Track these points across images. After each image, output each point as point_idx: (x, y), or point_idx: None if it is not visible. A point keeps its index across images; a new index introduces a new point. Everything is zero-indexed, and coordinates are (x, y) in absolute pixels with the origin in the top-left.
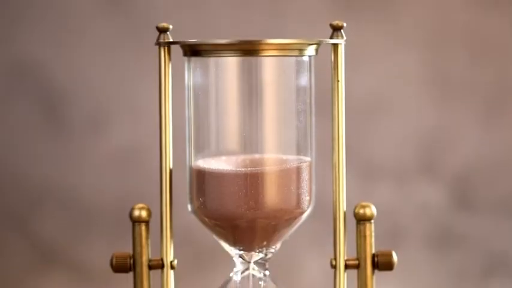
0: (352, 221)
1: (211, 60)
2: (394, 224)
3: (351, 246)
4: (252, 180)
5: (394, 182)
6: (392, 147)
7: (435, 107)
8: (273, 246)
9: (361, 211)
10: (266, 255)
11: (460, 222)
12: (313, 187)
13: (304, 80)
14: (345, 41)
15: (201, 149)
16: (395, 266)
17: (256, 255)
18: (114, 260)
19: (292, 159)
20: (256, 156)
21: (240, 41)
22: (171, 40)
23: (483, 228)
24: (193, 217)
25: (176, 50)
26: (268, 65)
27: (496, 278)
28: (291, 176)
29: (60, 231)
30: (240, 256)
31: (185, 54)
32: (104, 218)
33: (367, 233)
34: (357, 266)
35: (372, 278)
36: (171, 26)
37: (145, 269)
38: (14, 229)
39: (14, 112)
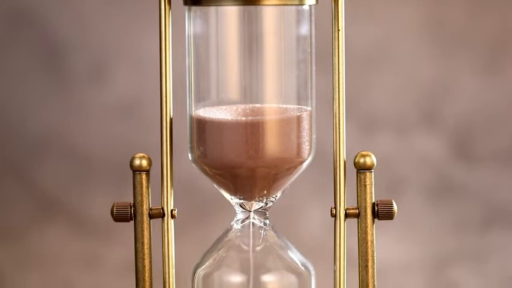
0: (353, 172)
1: (212, 9)
2: (393, 175)
3: (351, 197)
4: (252, 129)
5: (394, 133)
6: (392, 98)
7: (435, 58)
8: (273, 195)
9: (361, 160)
10: (266, 204)
11: (460, 173)
12: (314, 136)
13: (304, 30)
14: None
15: (202, 98)
16: (395, 215)
17: (257, 204)
18: (114, 209)
19: (292, 108)
20: (257, 105)
21: None
22: None
23: (483, 179)
24: (193, 167)
25: None
26: (269, 14)
27: (495, 229)
28: (291, 125)
29: (61, 181)
30: (241, 205)
31: (185, 3)
32: (104, 169)
33: (367, 182)
34: (357, 215)
35: (372, 227)
36: None
37: (145, 218)
38: (15, 180)
39: (14, 63)
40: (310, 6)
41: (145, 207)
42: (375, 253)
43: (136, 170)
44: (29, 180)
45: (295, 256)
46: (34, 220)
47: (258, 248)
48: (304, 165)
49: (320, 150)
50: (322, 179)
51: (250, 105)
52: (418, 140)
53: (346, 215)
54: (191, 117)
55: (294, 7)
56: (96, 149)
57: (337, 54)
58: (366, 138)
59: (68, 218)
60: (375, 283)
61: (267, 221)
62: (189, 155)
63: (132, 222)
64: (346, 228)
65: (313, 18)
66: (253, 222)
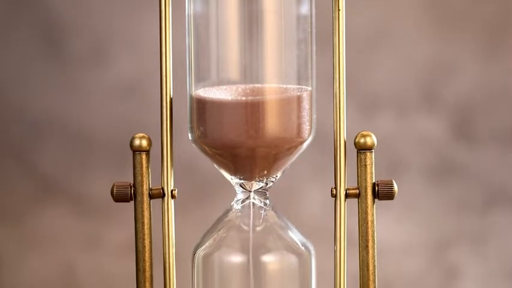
0: (353, 153)
1: None
2: (394, 155)
3: (351, 177)
4: (252, 109)
5: (394, 113)
6: (392, 78)
7: (436, 38)
8: (274, 176)
9: (362, 140)
10: (267, 184)
11: (461, 154)
12: (314, 116)
13: (304, 9)
14: None
15: (202, 78)
16: (395, 196)
17: (257, 185)
18: (114, 190)
19: (292, 88)
20: (257, 85)
21: None
22: None
23: (484, 159)
24: (194, 147)
25: None
26: None
27: (496, 209)
28: (291, 105)
29: (61, 162)
30: (241, 185)
31: None
32: (105, 149)
33: (368, 162)
34: (357, 195)
35: (372, 207)
36: None
37: (145, 198)
38: (15, 161)
39: (15, 44)
40: None
41: (145, 187)
42: (375, 233)
43: (136, 150)
44: (29, 161)
45: (296, 236)
46: (34, 201)
47: (258, 228)
48: (305, 145)
49: (320, 131)
50: (323, 160)
51: (250, 85)
52: (418, 121)
53: (347, 195)
54: (191, 97)
55: None
56: (97, 129)
57: (337, 34)
58: (366, 119)
59: (68, 198)
60: (375, 263)
61: (267, 201)
62: (189, 135)
63: (132, 202)
64: (346, 209)
65: None
66: (253, 203)
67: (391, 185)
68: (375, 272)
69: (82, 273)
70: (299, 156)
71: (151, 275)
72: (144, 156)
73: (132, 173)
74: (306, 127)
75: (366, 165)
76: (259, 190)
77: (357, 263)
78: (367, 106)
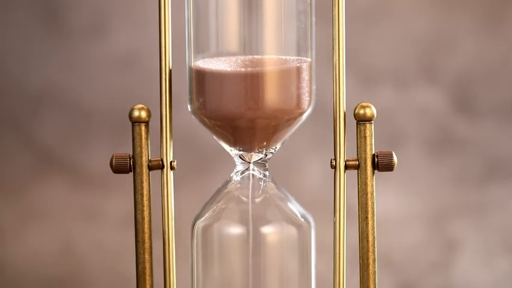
0: (353, 126)
1: None
2: (393, 128)
3: (351, 149)
4: (251, 80)
5: (394, 86)
6: (392, 51)
7: (436, 10)
8: (273, 147)
9: (361, 111)
10: (266, 155)
11: (460, 126)
12: (313, 87)
13: None
14: None
15: (201, 50)
16: (395, 167)
17: (256, 156)
18: (113, 161)
19: (292, 59)
20: (256, 56)
21: None
22: None
23: (483, 132)
24: (193, 120)
25: None
26: None
27: (495, 182)
28: (291, 76)
29: (60, 135)
30: (240, 157)
31: None
32: (104, 122)
33: (367, 133)
34: (357, 167)
35: (372, 179)
36: None
37: (145, 169)
38: (14, 134)
39: (15, 16)
40: None
41: (144, 158)
42: (374, 205)
43: (135, 122)
44: (28, 133)
45: (295, 208)
46: (33, 173)
47: (257, 200)
48: (304, 116)
49: (320, 102)
50: (322, 132)
51: (250, 57)
52: (418, 94)
53: (346, 167)
54: (190, 69)
55: None
56: (96, 102)
57: (337, 5)
58: (365, 92)
59: (68, 171)
60: (375, 235)
61: (267, 173)
62: (188, 106)
63: (131, 174)
64: (346, 180)
65: None
66: (252, 174)
67: (391, 156)
68: (374, 244)
69: (81, 245)
70: (299, 127)
71: (150, 246)
72: (143, 128)
73: (132, 145)
74: (305, 98)
75: (365, 137)
76: (259, 161)
77: (357, 235)
78: (366, 79)
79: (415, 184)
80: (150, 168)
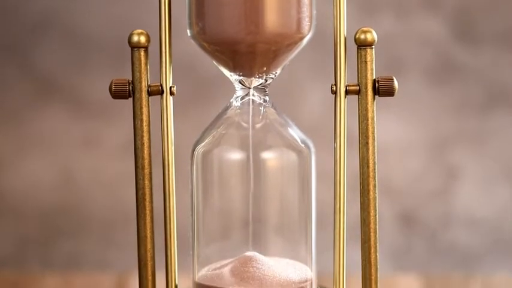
0: (353, 53)
1: None
2: (394, 55)
3: (351, 76)
4: (252, 4)
5: (395, 13)
6: None
7: None
8: (273, 72)
9: (362, 36)
10: (266, 80)
11: (461, 54)
12: (314, 12)
13: None
14: None
15: None
16: (396, 92)
17: (256, 81)
18: (113, 86)
19: None
20: None
21: None
22: None
23: (484, 60)
24: (193, 45)
25: None
26: None
27: (496, 110)
28: (291, 0)
29: (59, 62)
30: (240, 82)
31: None
32: (104, 50)
33: (368, 58)
34: (358, 92)
35: (372, 104)
36: None
37: (144, 94)
38: (13, 62)
39: None
40: None
41: (144, 84)
42: (375, 130)
43: (134, 47)
44: (27, 61)
45: (295, 133)
46: (32, 101)
47: (257, 125)
48: (305, 41)
49: (321, 30)
50: (323, 60)
51: None
52: (419, 21)
53: (347, 92)
54: None
55: None
56: (96, 28)
57: None
58: (366, 19)
59: (67, 98)
60: (375, 160)
61: (267, 98)
62: (188, 31)
63: (131, 100)
64: (346, 106)
65: None
66: (252, 99)
67: (392, 81)
68: (375, 169)
69: (80, 172)
70: (299, 55)
71: (150, 172)
72: (142, 53)
73: (131, 71)
74: (305, 23)
75: (366, 62)
76: (259, 87)
77: (357, 163)
78: (367, 6)
79: (416, 112)
80: (149, 93)
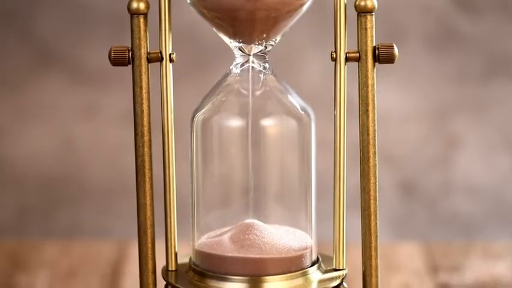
0: (353, 21)
1: None
2: (394, 24)
3: (351, 43)
4: None
5: None
6: None
7: None
8: (273, 39)
9: (362, 3)
10: (266, 47)
11: (462, 23)
12: None
13: None
14: None
15: None
16: (396, 59)
17: (256, 48)
18: (112, 53)
19: None
20: None
21: None
22: None
23: (484, 29)
24: (192, 12)
25: None
26: None
27: (496, 79)
28: None
29: (58, 30)
30: (240, 49)
31: None
32: (103, 18)
33: (368, 25)
34: (358, 59)
35: (372, 71)
36: None
37: (143, 61)
38: (11, 30)
39: None
40: None
41: (143, 51)
42: (375, 97)
43: (134, 13)
44: (25, 29)
45: (295, 100)
46: (32, 70)
47: (257, 93)
48: (304, 8)
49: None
50: (323, 26)
51: None
52: None
53: (347, 59)
54: None
55: None
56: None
57: None
58: None
59: (66, 66)
60: (376, 128)
61: (267, 65)
62: None
63: (130, 68)
64: (346, 73)
65: None
66: (252, 67)
67: (392, 48)
68: (375, 137)
69: (81, 141)
70: (299, 23)
71: (149, 140)
72: (141, 20)
73: (130, 38)
74: None
75: (366, 29)
76: (259, 54)
77: (357, 133)
78: None
79: (416, 80)
80: (149, 60)
